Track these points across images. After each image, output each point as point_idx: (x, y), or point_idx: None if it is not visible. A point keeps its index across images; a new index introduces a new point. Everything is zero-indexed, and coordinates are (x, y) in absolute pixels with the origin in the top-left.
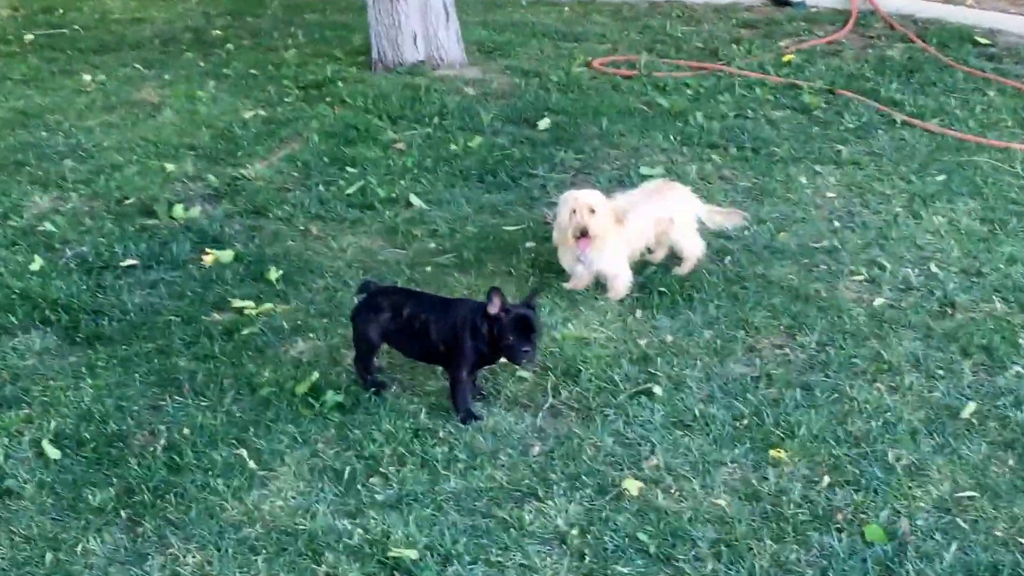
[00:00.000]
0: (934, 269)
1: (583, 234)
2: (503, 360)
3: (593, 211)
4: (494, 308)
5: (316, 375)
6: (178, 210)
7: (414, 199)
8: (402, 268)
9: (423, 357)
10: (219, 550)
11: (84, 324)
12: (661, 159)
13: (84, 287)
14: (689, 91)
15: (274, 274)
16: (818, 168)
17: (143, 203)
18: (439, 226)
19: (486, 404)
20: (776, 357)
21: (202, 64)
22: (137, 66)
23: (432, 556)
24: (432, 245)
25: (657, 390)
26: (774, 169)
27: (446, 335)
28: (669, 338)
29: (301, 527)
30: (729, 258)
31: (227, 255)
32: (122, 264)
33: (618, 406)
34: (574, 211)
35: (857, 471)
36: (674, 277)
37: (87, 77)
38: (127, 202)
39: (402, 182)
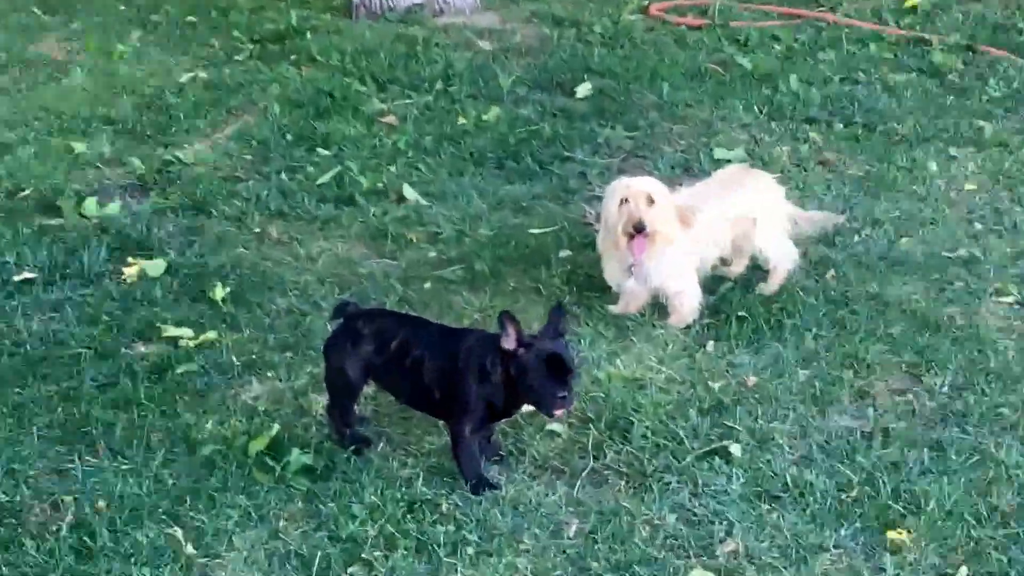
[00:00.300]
0: None
1: (638, 230)
2: (527, 408)
3: (652, 201)
4: (509, 343)
5: (276, 428)
6: (90, 205)
7: (409, 191)
8: (392, 284)
9: (418, 405)
10: None
11: None
12: (741, 138)
13: None
14: (779, 47)
15: (220, 292)
16: (953, 151)
17: (43, 196)
18: (442, 228)
19: (505, 468)
20: (896, 406)
21: (123, 8)
22: (35, 10)
23: None
24: (433, 253)
25: (735, 450)
26: (894, 152)
27: (442, 378)
28: (752, 380)
29: None
30: (832, 272)
31: (156, 266)
32: (15, 279)
33: (682, 471)
34: (625, 200)
35: (1005, 559)
36: (758, 297)
37: None
38: (21, 194)
39: (392, 168)
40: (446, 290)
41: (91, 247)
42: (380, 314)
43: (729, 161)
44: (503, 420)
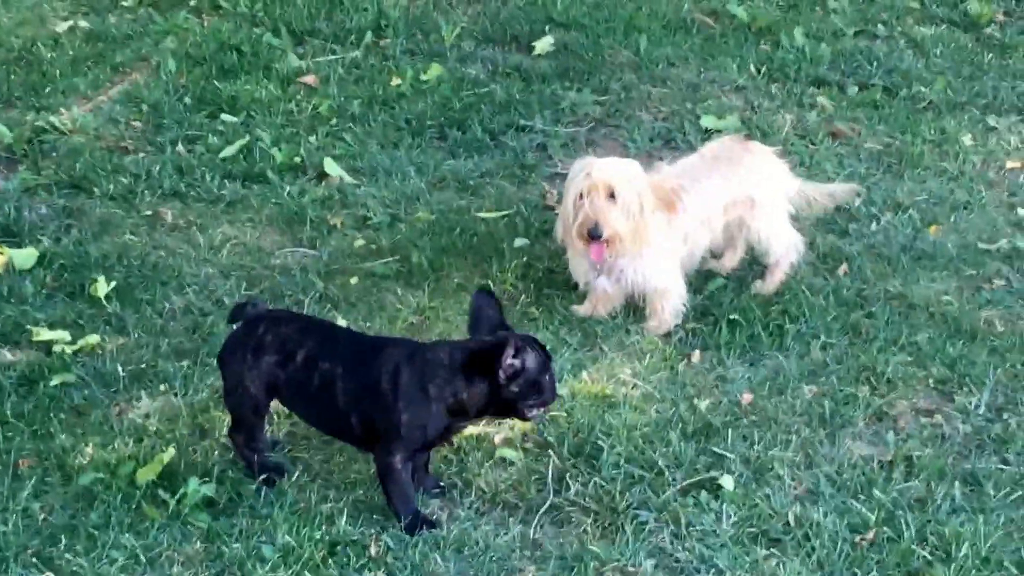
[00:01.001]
0: None
1: (593, 236)
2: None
3: (613, 195)
4: (509, 365)
5: (170, 453)
6: None
7: (331, 166)
8: (311, 279)
9: (333, 432)
10: None
11: None
12: (734, 103)
13: None
14: None
15: (103, 288)
16: (992, 121)
17: None
18: (372, 211)
19: (447, 502)
20: (921, 430)
21: None
22: None
23: None
24: (361, 241)
25: (726, 482)
26: (920, 121)
27: (361, 400)
28: (746, 397)
29: None
30: (845, 266)
31: (27, 256)
32: None
33: (662, 507)
34: (582, 195)
35: None
36: (755, 297)
37: None
38: None
39: (312, 140)
40: (376, 287)
41: None
42: (287, 318)
43: (720, 132)
44: (442, 442)
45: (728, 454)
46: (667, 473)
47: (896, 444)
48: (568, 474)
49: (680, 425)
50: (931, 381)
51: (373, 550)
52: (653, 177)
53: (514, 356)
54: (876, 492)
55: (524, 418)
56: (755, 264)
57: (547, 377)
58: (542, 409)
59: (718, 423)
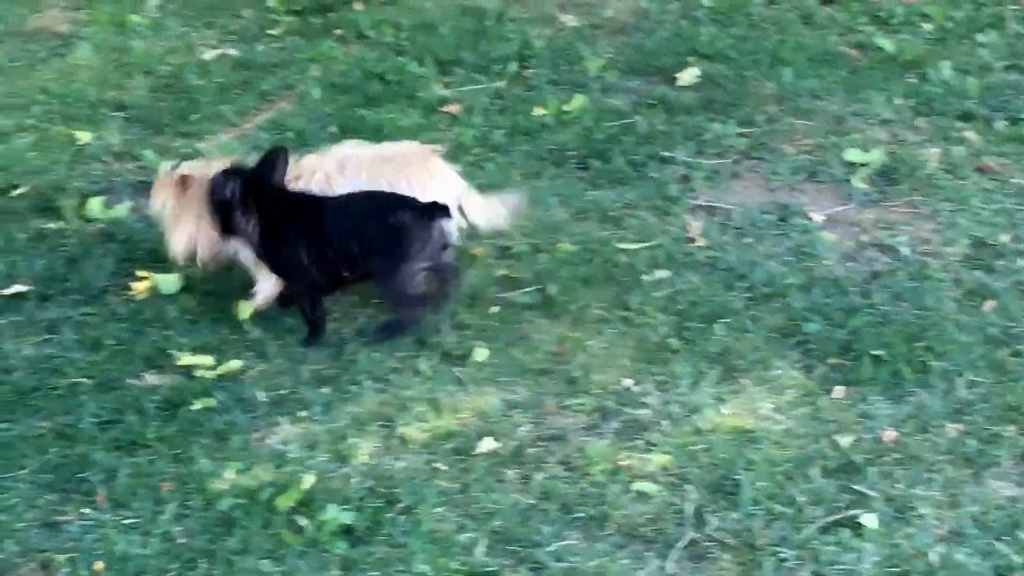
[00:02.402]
0: None
1: None
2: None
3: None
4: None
5: (310, 479)
6: (95, 207)
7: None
8: (449, 310)
9: None
10: None
11: None
12: (880, 136)
13: None
14: (929, 26)
15: (245, 311)
16: None
17: (41, 194)
18: (514, 240)
19: (585, 536)
20: None
21: None
22: None
23: None
24: (502, 272)
25: (867, 520)
26: None
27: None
28: (889, 434)
29: None
30: (992, 303)
31: (171, 281)
32: (5, 293)
33: (802, 545)
34: None
35: None
36: (897, 334)
37: None
38: (15, 192)
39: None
40: (516, 317)
41: (95, 257)
42: None
43: (865, 166)
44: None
45: (870, 492)
46: (807, 510)
47: None
48: (706, 509)
49: (821, 461)
50: None
51: None
52: None
53: None
54: (1022, 535)
55: None
56: (894, 297)
57: None
58: None
59: (860, 460)
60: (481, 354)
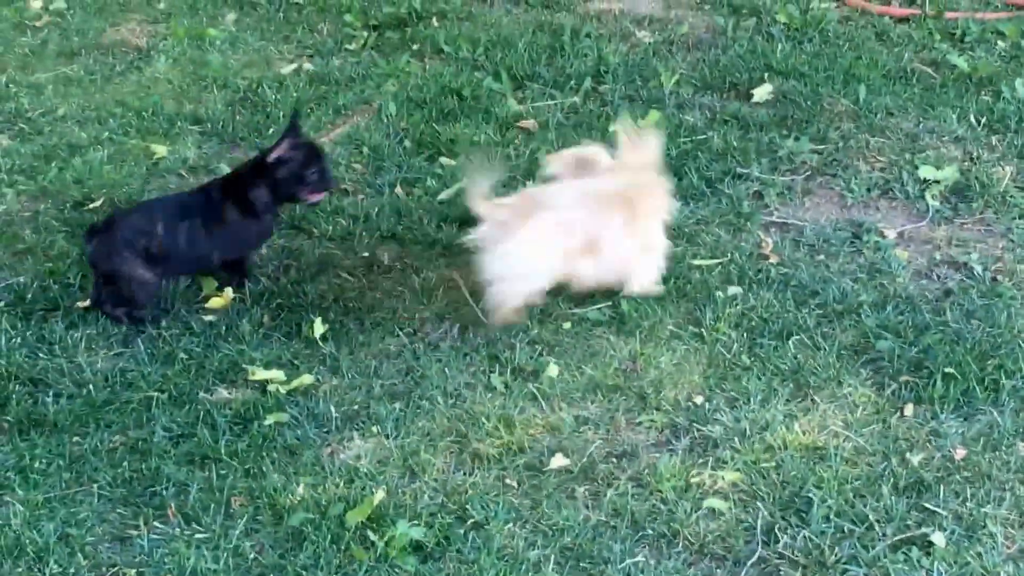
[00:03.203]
0: None
1: None
2: None
3: None
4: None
5: (380, 495)
6: None
7: None
8: (525, 322)
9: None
10: None
11: (15, 401)
12: (954, 153)
13: (17, 341)
14: (1003, 44)
15: (319, 328)
16: None
17: (116, 207)
18: None
19: (656, 552)
20: None
21: None
22: None
23: None
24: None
25: (937, 539)
26: None
27: None
28: (960, 452)
29: None
30: None
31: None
32: (79, 306)
33: (872, 563)
34: None
35: None
36: (969, 352)
37: (36, 3)
38: (92, 205)
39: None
40: (588, 333)
41: None
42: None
43: (938, 183)
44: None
45: (940, 510)
46: (877, 528)
47: None
48: (777, 526)
49: (891, 479)
50: None
51: None
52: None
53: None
54: None
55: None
56: (967, 317)
57: (315, 170)
58: (320, 196)
59: (930, 478)
60: (553, 370)
